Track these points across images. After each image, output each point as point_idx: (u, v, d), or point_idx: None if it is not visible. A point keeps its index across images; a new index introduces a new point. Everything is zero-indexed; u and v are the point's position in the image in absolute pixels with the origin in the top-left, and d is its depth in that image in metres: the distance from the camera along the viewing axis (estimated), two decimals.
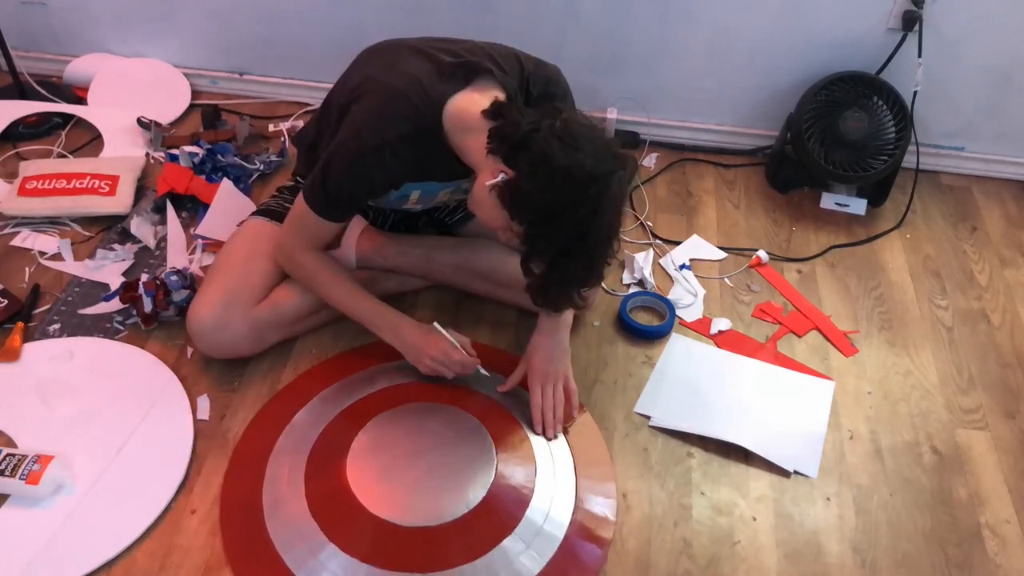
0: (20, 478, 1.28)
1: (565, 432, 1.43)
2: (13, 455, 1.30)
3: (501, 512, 1.30)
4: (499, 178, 1.18)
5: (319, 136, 1.45)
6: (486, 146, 1.21)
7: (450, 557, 1.24)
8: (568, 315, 1.46)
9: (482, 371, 1.45)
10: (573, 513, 1.32)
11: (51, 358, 1.51)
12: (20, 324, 1.55)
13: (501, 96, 1.26)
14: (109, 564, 1.23)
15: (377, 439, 1.39)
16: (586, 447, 1.42)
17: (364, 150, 1.27)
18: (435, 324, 1.44)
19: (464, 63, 1.28)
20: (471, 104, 1.25)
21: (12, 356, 1.50)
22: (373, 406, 1.44)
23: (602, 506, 1.34)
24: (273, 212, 1.55)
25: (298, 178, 1.61)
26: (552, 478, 1.35)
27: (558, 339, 1.44)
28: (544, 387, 1.42)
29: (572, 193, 1.13)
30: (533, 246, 1.20)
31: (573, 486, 1.35)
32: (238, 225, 1.60)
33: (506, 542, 1.26)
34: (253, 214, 1.58)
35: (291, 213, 1.42)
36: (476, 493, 1.31)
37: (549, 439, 1.41)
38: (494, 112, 1.23)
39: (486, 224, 1.28)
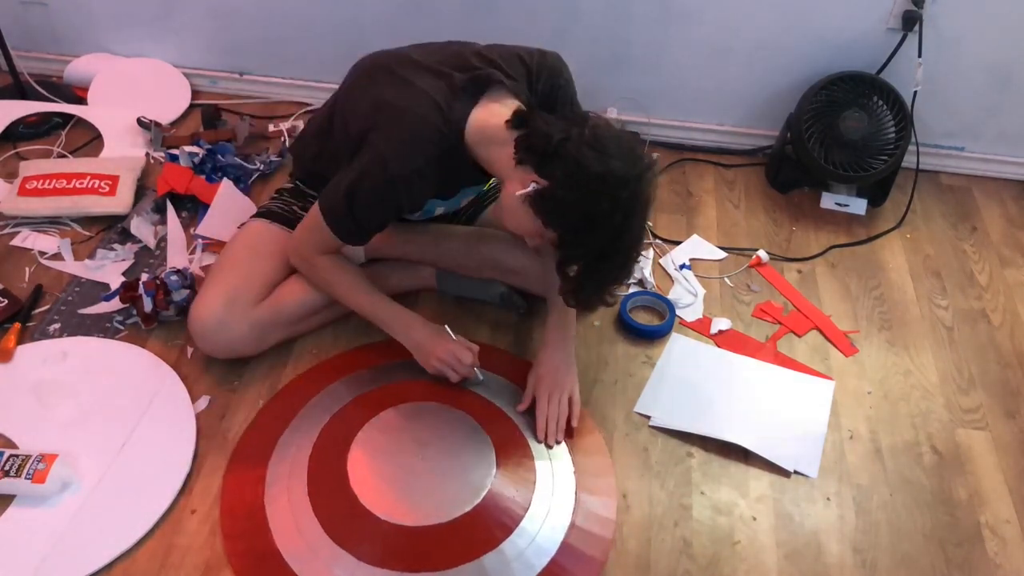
0: (26, 477, 1.28)
1: (567, 437, 1.44)
2: (17, 456, 1.31)
3: (490, 524, 1.29)
4: (531, 188, 1.20)
5: (323, 148, 1.47)
6: (513, 156, 1.23)
7: (435, 559, 1.24)
8: (572, 327, 1.49)
9: (479, 374, 1.47)
10: (566, 533, 1.30)
11: (43, 359, 1.51)
12: (16, 325, 1.55)
13: (516, 104, 1.28)
14: (111, 564, 1.23)
15: (379, 436, 1.39)
16: (590, 461, 1.41)
17: (393, 179, 1.28)
18: (446, 327, 1.46)
19: (474, 77, 1.30)
20: (491, 116, 1.27)
21: (5, 357, 1.50)
22: (375, 402, 1.45)
23: (599, 522, 1.32)
24: (274, 214, 1.56)
25: (298, 182, 1.61)
26: (550, 495, 1.35)
27: (566, 352, 1.47)
28: (551, 396, 1.44)
29: (607, 199, 1.15)
30: (569, 251, 1.23)
31: (571, 502, 1.34)
32: (239, 227, 1.60)
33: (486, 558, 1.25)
34: (254, 216, 1.58)
35: (307, 222, 1.43)
36: (472, 497, 1.31)
37: (549, 447, 1.41)
38: (518, 122, 1.25)
39: (515, 231, 1.29)
